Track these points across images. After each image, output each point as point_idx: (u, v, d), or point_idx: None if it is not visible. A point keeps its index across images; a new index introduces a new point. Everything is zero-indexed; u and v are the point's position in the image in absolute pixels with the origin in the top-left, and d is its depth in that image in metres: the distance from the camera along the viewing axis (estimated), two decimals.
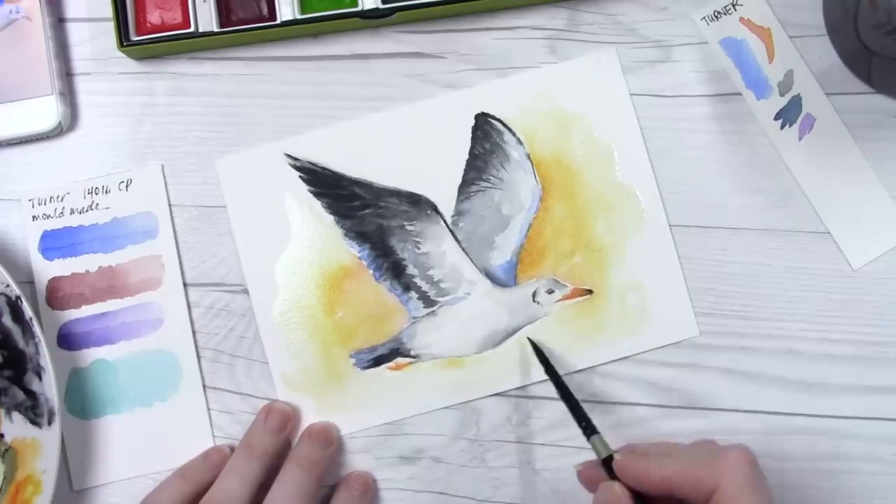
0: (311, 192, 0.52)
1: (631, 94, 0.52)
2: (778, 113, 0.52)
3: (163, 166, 0.52)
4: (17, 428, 0.49)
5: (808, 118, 0.52)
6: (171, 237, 0.52)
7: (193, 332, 0.52)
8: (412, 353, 0.52)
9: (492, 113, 0.52)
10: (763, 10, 0.52)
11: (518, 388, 0.51)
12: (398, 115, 0.52)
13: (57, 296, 0.52)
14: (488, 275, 0.51)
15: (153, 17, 0.51)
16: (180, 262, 0.52)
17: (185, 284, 0.52)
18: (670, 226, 0.52)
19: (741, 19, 0.52)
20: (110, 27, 0.50)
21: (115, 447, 0.51)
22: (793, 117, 0.52)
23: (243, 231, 0.52)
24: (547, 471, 0.51)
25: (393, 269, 0.52)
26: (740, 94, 0.52)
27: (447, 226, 0.51)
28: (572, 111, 0.52)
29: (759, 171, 0.52)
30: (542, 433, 0.51)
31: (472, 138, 0.52)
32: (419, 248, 0.52)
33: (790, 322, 0.51)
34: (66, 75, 0.53)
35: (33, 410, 0.49)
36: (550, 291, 0.51)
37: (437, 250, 0.52)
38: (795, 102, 0.52)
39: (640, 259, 0.51)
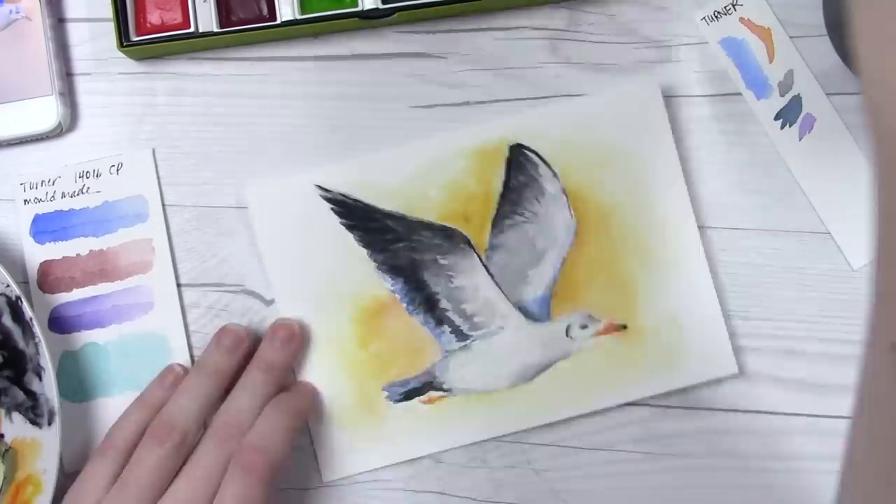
0: (343, 224, 0.51)
1: (672, 130, 0.51)
2: (778, 113, 0.52)
3: (153, 150, 0.52)
4: (17, 428, 0.49)
5: (809, 118, 0.52)
6: (162, 220, 0.52)
7: (183, 315, 0.52)
8: (444, 386, 0.51)
9: (527, 144, 0.51)
10: (763, 10, 0.52)
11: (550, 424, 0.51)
12: (431, 146, 0.52)
13: (48, 279, 0.52)
14: (522, 309, 0.51)
15: (153, 17, 0.51)
16: (170, 246, 0.52)
17: (175, 267, 0.52)
18: (709, 263, 0.51)
19: (741, 19, 0.52)
20: (110, 27, 0.50)
21: (106, 430, 0.51)
22: (793, 117, 0.52)
23: (275, 261, 0.51)
24: (547, 471, 0.51)
25: (426, 302, 0.51)
26: (740, 94, 0.52)
27: (480, 260, 0.51)
28: (610, 144, 0.51)
29: (758, 171, 0.52)
30: (543, 433, 0.51)
31: (507, 171, 0.51)
32: (452, 282, 0.51)
33: (790, 322, 0.51)
34: (66, 75, 0.53)
35: (33, 411, 0.49)
36: (584, 326, 0.51)
37: (470, 284, 0.51)
38: (795, 102, 0.52)
39: (676, 295, 0.51)
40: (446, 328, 0.51)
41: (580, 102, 0.52)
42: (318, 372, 0.51)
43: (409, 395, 0.51)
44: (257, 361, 0.50)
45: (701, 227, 0.52)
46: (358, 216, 0.51)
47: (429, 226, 0.51)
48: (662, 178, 0.51)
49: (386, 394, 0.51)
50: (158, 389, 0.50)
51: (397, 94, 0.52)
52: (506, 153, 0.51)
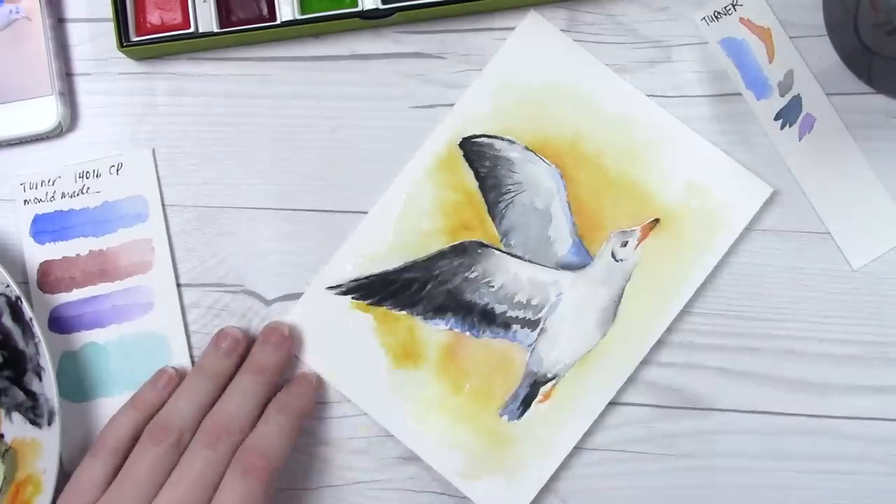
0: (370, 303, 0.52)
1: (573, 40, 0.52)
2: (778, 113, 0.52)
3: (153, 150, 0.53)
4: (16, 428, 0.49)
5: (808, 118, 0.52)
6: (162, 220, 0.52)
7: (183, 314, 0.52)
8: (548, 376, 0.51)
9: (470, 133, 0.52)
10: (763, 10, 0.52)
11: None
12: (396, 191, 0.52)
13: (48, 279, 0.52)
14: (564, 267, 0.51)
15: (153, 17, 0.51)
16: (170, 246, 0.52)
17: (175, 267, 0.52)
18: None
19: (741, 19, 0.52)
20: (110, 27, 0.51)
21: None
22: (793, 117, 0.52)
23: (333, 373, 0.52)
24: None
25: (484, 318, 0.51)
26: (740, 94, 0.52)
27: (502, 251, 0.51)
28: (537, 87, 0.52)
29: (759, 171, 0.52)
30: None
31: (470, 164, 0.52)
32: (493, 286, 0.51)
33: (790, 322, 0.51)
34: (66, 75, 0.53)
35: (33, 411, 0.49)
36: (624, 244, 0.51)
37: (508, 278, 0.51)
38: (795, 102, 0.52)
39: (677, 163, 0.51)
40: (516, 327, 0.51)
41: (489, 70, 0.52)
42: (438, 441, 0.51)
43: (525, 405, 0.51)
44: (249, 364, 0.50)
45: None
46: (379, 289, 0.52)
47: (441, 255, 0.51)
48: (601, 87, 0.52)
49: (505, 417, 0.51)
50: (150, 391, 0.50)
51: (397, 95, 0.52)
52: (460, 152, 0.52)
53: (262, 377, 0.49)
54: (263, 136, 0.53)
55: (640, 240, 0.51)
